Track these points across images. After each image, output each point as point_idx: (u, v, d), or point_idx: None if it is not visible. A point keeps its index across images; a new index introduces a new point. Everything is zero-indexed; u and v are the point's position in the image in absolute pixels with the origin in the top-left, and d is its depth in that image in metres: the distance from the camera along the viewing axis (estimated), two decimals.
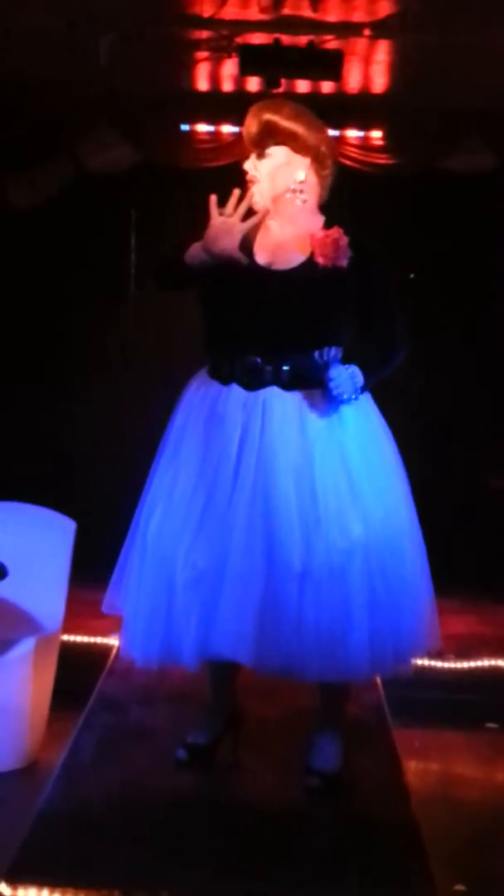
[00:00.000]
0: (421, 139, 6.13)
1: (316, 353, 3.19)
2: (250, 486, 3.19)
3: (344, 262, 3.24)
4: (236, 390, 3.28)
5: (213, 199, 3.23)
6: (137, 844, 2.99)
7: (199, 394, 3.36)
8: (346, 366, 3.21)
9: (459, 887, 2.97)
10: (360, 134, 6.14)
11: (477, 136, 6.11)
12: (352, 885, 2.86)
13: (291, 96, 5.39)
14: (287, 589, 3.14)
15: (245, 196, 3.26)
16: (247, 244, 3.33)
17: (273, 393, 3.25)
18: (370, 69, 5.67)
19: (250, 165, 3.35)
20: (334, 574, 3.16)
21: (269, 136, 3.29)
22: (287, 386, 3.25)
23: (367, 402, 3.37)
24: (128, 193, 6.45)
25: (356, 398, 3.23)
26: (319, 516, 3.18)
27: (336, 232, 3.26)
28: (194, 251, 3.27)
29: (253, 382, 3.26)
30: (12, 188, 6.17)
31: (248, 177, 3.34)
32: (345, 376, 3.19)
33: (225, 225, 3.22)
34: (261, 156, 3.32)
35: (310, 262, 3.27)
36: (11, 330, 6.47)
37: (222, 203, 3.25)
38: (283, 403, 3.24)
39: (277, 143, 3.30)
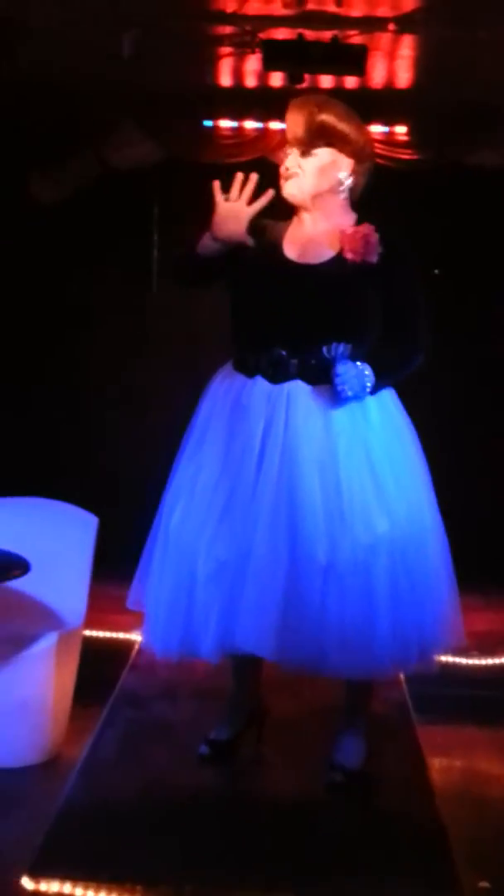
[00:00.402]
0: (445, 134, 6.10)
1: (324, 349, 3.18)
2: (274, 479, 3.18)
3: (373, 259, 3.22)
4: (261, 382, 3.27)
5: (217, 184, 3.24)
6: (159, 839, 3.00)
7: (224, 386, 3.36)
8: (358, 364, 3.19)
9: (484, 884, 2.95)
10: (385, 129, 6.11)
11: (502, 130, 6.08)
12: (375, 881, 2.85)
13: (315, 91, 5.39)
14: (311, 583, 3.14)
15: (249, 179, 3.25)
16: (276, 237, 3.34)
17: (297, 386, 3.24)
18: (394, 64, 5.65)
19: (293, 162, 3.32)
20: (358, 569, 3.15)
21: (320, 136, 3.27)
22: (312, 380, 3.24)
23: (390, 398, 3.36)
24: (151, 190, 6.46)
25: (362, 397, 3.21)
26: (344, 511, 3.17)
27: (367, 228, 3.24)
28: (205, 240, 3.28)
29: (277, 375, 3.25)
30: (36, 184, 6.19)
31: (289, 172, 3.31)
32: (352, 373, 3.16)
33: (231, 210, 3.23)
34: (305, 153, 3.30)
35: (339, 258, 3.26)
36: (35, 325, 6.48)
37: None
38: (307, 397, 3.23)
39: (326, 145, 3.28)
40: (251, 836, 3.06)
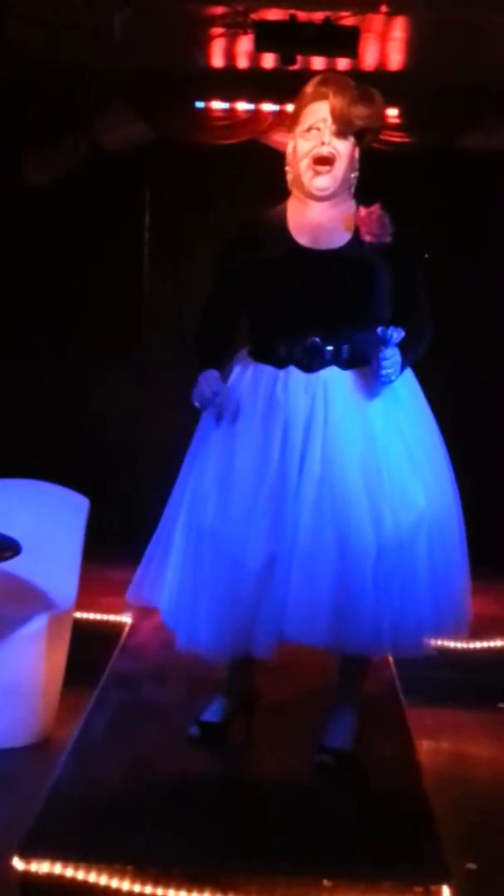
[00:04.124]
0: (438, 116, 6.10)
1: (379, 329, 3.07)
2: (317, 471, 3.18)
3: (388, 239, 3.23)
4: (295, 373, 3.25)
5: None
6: (149, 821, 2.99)
7: (248, 380, 3.33)
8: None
9: (471, 866, 2.97)
10: None
11: (494, 113, 6.08)
12: (363, 863, 2.84)
13: (306, 73, 5.37)
14: (360, 568, 3.14)
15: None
16: (281, 226, 3.32)
17: (333, 373, 3.24)
18: (387, 46, 5.63)
19: (329, 139, 3.21)
20: (403, 548, 3.18)
21: (361, 123, 3.21)
22: (346, 365, 3.25)
23: (413, 381, 3.38)
24: (142, 170, 6.44)
25: (395, 380, 3.19)
26: (385, 493, 3.19)
27: (378, 209, 3.23)
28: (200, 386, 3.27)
29: (313, 364, 3.24)
30: (27, 165, 6.16)
31: (326, 151, 3.22)
32: (396, 358, 3.13)
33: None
34: (340, 134, 3.22)
35: (354, 241, 3.25)
36: (32, 307, 6.46)
37: None
38: (343, 383, 3.24)
39: (357, 136, 3.24)
40: (240, 817, 3.05)
